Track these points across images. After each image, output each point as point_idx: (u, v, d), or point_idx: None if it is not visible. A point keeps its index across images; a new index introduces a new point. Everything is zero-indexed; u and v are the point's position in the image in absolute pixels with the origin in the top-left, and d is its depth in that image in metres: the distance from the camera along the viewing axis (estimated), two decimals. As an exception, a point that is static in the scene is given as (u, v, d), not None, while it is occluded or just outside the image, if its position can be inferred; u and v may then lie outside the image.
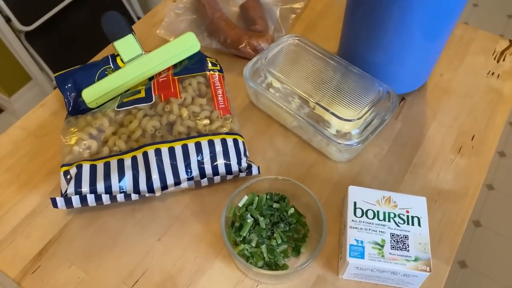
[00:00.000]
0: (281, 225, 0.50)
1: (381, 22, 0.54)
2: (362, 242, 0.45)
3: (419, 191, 0.54)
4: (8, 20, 1.32)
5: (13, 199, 0.54)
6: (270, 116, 0.61)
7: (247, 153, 0.55)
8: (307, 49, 0.60)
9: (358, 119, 0.52)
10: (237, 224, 0.49)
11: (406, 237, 0.46)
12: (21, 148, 0.59)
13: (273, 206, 0.51)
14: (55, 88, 1.58)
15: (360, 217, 0.47)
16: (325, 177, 0.56)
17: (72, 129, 0.55)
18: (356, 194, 0.49)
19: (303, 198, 0.51)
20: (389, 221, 0.47)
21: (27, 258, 0.49)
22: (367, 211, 0.47)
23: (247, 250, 0.48)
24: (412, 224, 0.47)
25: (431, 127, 0.61)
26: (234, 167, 0.53)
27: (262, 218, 0.49)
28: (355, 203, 0.48)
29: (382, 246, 0.45)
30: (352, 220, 0.47)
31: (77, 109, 0.59)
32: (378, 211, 0.47)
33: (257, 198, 0.51)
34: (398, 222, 0.47)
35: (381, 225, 0.46)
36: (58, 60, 1.50)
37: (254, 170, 0.54)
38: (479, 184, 0.55)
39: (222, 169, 0.53)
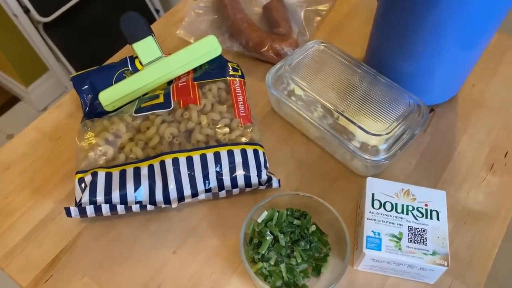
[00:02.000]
0: (301, 243, 0.47)
1: (414, 29, 0.51)
2: (379, 234, 0.44)
3: (448, 210, 0.51)
4: (26, 11, 1.31)
5: (26, 204, 0.53)
6: (292, 125, 0.59)
7: (268, 165, 0.52)
8: (333, 56, 0.57)
9: (387, 134, 0.50)
10: (255, 241, 0.47)
11: (424, 230, 0.45)
12: (36, 150, 0.57)
13: (294, 222, 0.49)
14: (71, 79, 1.58)
15: (377, 209, 0.46)
16: (348, 192, 0.53)
17: (88, 133, 0.53)
18: (375, 186, 0.48)
19: (325, 214, 0.48)
20: (407, 214, 0.46)
21: (39, 267, 0.48)
22: (385, 203, 0.46)
23: (265, 268, 0.46)
24: (431, 218, 0.46)
25: (462, 141, 0.57)
26: (254, 179, 0.51)
27: (282, 236, 0.47)
28: (373, 194, 0.47)
29: (400, 238, 0.44)
30: (370, 212, 0.46)
31: (94, 111, 0.57)
32: (396, 204, 0.46)
33: (277, 214, 0.48)
34: (417, 215, 0.46)
35: (399, 217, 0.45)
36: (75, 52, 1.49)
37: (275, 183, 0.51)
38: (512, 206, 0.52)
39: (241, 181, 0.50)
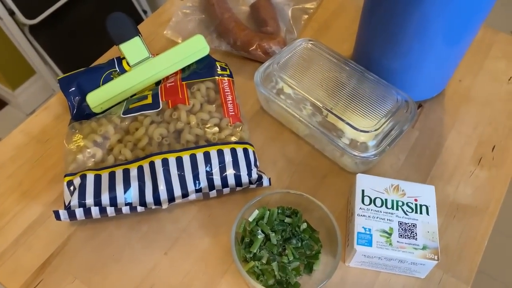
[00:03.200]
0: (293, 241, 0.47)
1: (400, 26, 0.51)
2: (370, 230, 0.45)
3: (437, 205, 0.52)
4: (12, 13, 1.29)
5: (14, 208, 0.52)
6: (281, 123, 0.59)
7: (258, 163, 0.52)
8: (321, 54, 0.58)
9: (375, 130, 0.50)
10: (247, 240, 0.47)
11: (414, 225, 0.45)
12: (23, 154, 0.57)
13: (285, 220, 0.49)
14: (58, 81, 1.57)
15: (368, 205, 0.46)
16: (339, 189, 0.53)
17: (76, 135, 0.53)
18: (364, 182, 0.48)
19: (316, 212, 0.49)
20: (397, 209, 0.46)
21: (29, 271, 0.48)
22: (375, 199, 0.47)
23: (257, 267, 0.46)
24: (421, 213, 0.46)
25: (449, 136, 0.58)
26: (244, 178, 0.51)
27: (274, 234, 0.47)
28: (363, 191, 0.47)
29: (390, 234, 0.45)
30: (360, 208, 0.46)
31: (81, 113, 0.57)
32: (386, 199, 0.47)
33: (268, 212, 0.49)
34: (406, 211, 0.46)
35: (389, 213, 0.46)
36: (62, 54, 1.48)
37: (265, 182, 0.51)
38: (500, 199, 0.52)
39: (231, 180, 0.50)
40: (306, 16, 0.70)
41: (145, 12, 1.65)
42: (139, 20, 1.60)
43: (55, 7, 1.37)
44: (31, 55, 1.42)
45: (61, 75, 0.58)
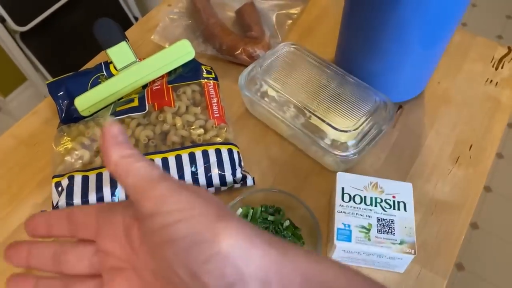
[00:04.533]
0: (276, 238, 0.49)
1: (378, 30, 0.53)
2: (349, 226, 0.46)
3: (416, 202, 0.53)
4: (2, 21, 1.30)
5: (4, 211, 0.53)
6: (266, 125, 0.61)
7: (242, 163, 0.54)
8: (304, 58, 0.59)
9: (355, 129, 0.52)
10: (231, 237, 0.48)
11: (392, 221, 0.47)
12: (12, 157, 0.58)
13: (268, 218, 0.50)
14: (47, 86, 1.58)
15: (347, 202, 0.48)
16: (321, 187, 0.55)
17: (64, 138, 0.54)
18: (344, 180, 0.50)
19: (298, 210, 0.50)
20: (375, 206, 0.48)
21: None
22: (354, 196, 0.48)
23: (241, 263, 0.47)
24: (398, 209, 0.48)
25: (429, 136, 0.60)
26: (229, 178, 0.52)
27: (257, 231, 0.49)
28: (343, 188, 0.49)
29: (369, 230, 0.46)
30: (340, 205, 0.48)
31: (70, 117, 0.58)
32: (365, 196, 0.48)
33: (252, 210, 0.50)
34: (385, 207, 0.48)
35: (368, 209, 0.47)
36: (53, 61, 1.49)
37: (249, 181, 0.53)
38: (476, 196, 0.54)
39: (216, 180, 0.52)
40: (290, 21, 0.72)
41: (136, 18, 1.67)
42: (129, 26, 1.61)
43: (46, 14, 1.38)
44: (22, 62, 1.43)
45: (50, 80, 0.59)
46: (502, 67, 0.67)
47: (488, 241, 1.35)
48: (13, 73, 1.57)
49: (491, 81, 0.66)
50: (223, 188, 0.52)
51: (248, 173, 0.54)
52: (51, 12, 1.40)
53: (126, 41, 0.58)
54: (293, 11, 0.73)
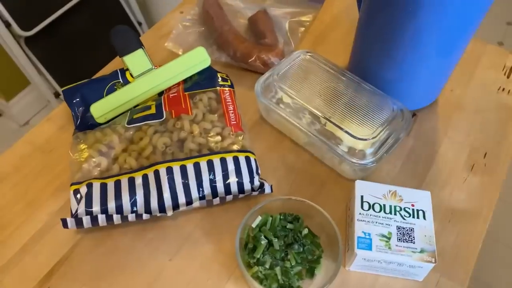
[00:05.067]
0: (295, 246, 0.49)
1: (395, 39, 0.54)
2: (369, 234, 0.46)
3: (433, 210, 0.54)
4: (8, 25, 1.30)
5: (20, 217, 0.53)
6: (281, 132, 0.61)
7: (260, 171, 0.54)
8: (319, 65, 0.60)
9: (373, 138, 0.52)
10: (250, 246, 0.48)
11: (412, 229, 0.47)
12: (28, 164, 0.57)
13: (287, 226, 0.50)
14: (54, 93, 1.57)
15: (367, 210, 0.48)
16: (337, 195, 0.55)
17: (81, 145, 0.54)
18: (363, 188, 0.50)
19: (316, 217, 0.50)
20: (395, 214, 0.48)
21: (36, 279, 0.48)
22: (373, 204, 0.49)
23: (260, 272, 0.47)
24: (418, 217, 0.48)
25: (443, 144, 0.60)
26: (247, 185, 0.52)
27: (276, 240, 0.49)
28: (362, 196, 0.49)
29: (389, 238, 0.46)
30: (360, 213, 0.48)
31: (85, 124, 0.58)
32: (384, 205, 0.48)
33: (271, 218, 0.50)
34: (404, 215, 0.48)
35: (388, 218, 0.48)
36: (57, 65, 1.49)
37: (267, 189, 0.53)
38: (492, 204, 0.54)
39: (234, 188, 0.52)
40: (302, 29, 0.72)
41: (140, 24, 1.67)
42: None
43: (50, 19, 1.39)
44: (26, 66, 1.42)
45: (65, 87, 0.59)
46: (513, 75, 0.68)
47: (496, 248, 1.35)
48: (17, 77, 1.57)
49: (503, 89, 0.66)
50: (240, 195, 0.52)
51: (265, 180, 0.54)
52: (55, 17, 1.40)
53: (142, 48, 0.58)
54: (305, 18, 0.73)
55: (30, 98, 1.68)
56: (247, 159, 0.53)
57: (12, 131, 1.68)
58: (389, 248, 0.45)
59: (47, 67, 1.46)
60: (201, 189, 0.51)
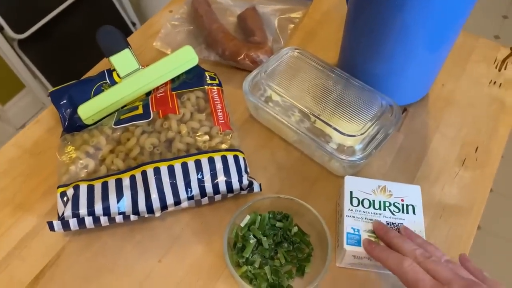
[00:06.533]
0: (284, 244, 0.48)
1: (383, 33, 0.53)
2: (358, 230, 0.46)
3: (424, 206, 0.53)
4: (0, 29, 1.30)
5: (8, 221, 0.52)
6: (271, 130, 0.60)
7: (248, 170, 0.53)
8: (308, 62, 0.59)
9: (361, 134, 0.51)
10: (239, 245, 0.48)
11: (401, 225, 0.46)
12: (16, 167, 0.57)
13: (276, 225, 0.50)
14: (49, 96, 1.57)
15: (356, 206, 0.48)
16: (328, 193, 0.55)
17: (68, 147, 0.54)
18: (352, 184, 0.50)
19: (306, 215, 0.50)
20: (384, 209, 0.48)
21: (24, 283, 0.48)
22: (363, 200, 0.48)
23: (250, 271, 0.47)
24: (407, 212, 0.47)
25: (434, 138, 0.60)
26: (235, 184, 0.52)
27: (265, 238, 0.48)
28: (351, 192, 0.49)
29: None
30: (349, 209, 0.48)
31: (73, 125, 0.57)
32: (373, 200, 0.48)
33: (259, 217, 0.50)
34: (393, 211, 0.48)
35: (377, 213, 0.47)
36: (52, 68, 1.48)
37: (256, 188, 0.52)
38: (484, 198, 0.54)
39: (223, 187, 0.51)
40: (292, 26, 0.72)
41: (133, 24, 1.67)
42: (128, 32, 1.61)
43: (44, 21, 1.38)
44: (21, 69, 1.42)
45: (52, 88, 0.59)
46: (505, 68, 0.67)
47: (489, 241, 1.35)
48: (11, 81, 1.56)
49: (495, 82, 0.66)
50: (229, 195, 0.52)
51: (254, 179, 0.53)
52: (49, 19, 1.39)
53: (129, 48, 0.58)
54: (294, 15, 0.73)
55: (25, 101, 1.67)
56: (236, 158, 0.52)
57: (8, 135, 1.68)
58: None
59: (41, 70, 1.46)
60: (189, 189, 0.50)
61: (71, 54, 1.50)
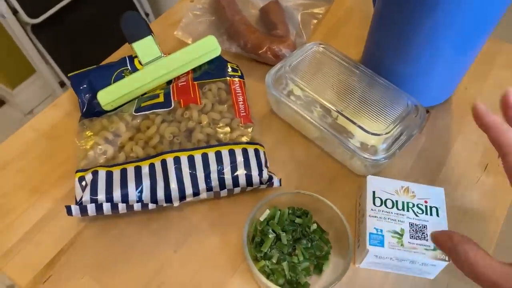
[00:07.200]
0: (303, 241, 0.48)
1: (411, 33, 0.52)
2: (381, 231, 0.45)
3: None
4: (15, 12, 1.29)
5: (24, 204, 0.52)
6: (291, 126, 0.59)
7: (268, 164, 0.53)
8: (332, 57, 0.58)
9: (386, 133, 0.50)
10: (257, 239, 0.47)
11: (425, 226, 0.46)
12: (33, 150, 0.56)
13: (295, 221, 0.49)
14: (59, 82, 1.56)
15: (379, 206, 0.47)
16: (347, 191, 0.54)
17: (87, 132, 0.53)
18: (375, 184, 0.49)
19: (325, 212, 0.49)
20: (407, 210, 0.47)
21: (38, 267, 0.47)
22: (385, 200, 0.47)
23: (267, 266, 0.46)
24: (431, 214, 0.47)
25: (456, 142, 0.59)
26: (255, 178, 0.51)
27: (284, 234, 0.47)
28: (374, 192, 0.48)
29: (401, 235, 0.45)
30: (371, 209, 0.47)
31: (92, 111, 0.57)
32: (396, 201, 0.47)
33: (279, 212, 0.49)
34: (417, 212, 0.47)
35: (400, 214, 0.46)
36: (63, 54, 1.48)
37: (276, 182, 0.52)
38: (506, 205, 0.53)
39: (242, 180, 0.51)
40: (315, 21, 0.71)
41: (147, 14, 1.66)
42: (141, 22, 1.60)
43: (58, 7, 1.38)
44: (32, 54, 1.42)
45: (72, 73, 0.58)
46: (529, 75, 0.66)
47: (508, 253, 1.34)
48: (22, 65, 1.56)
49: (519, 88, 0.64)
50: (248, 188, 0.51)
51: (274, 174, 0.53)
52: (63, 5, 1.39)
53: (152, 35, 0.57)
54: (317, 10, 0.72)
55: (35, 87, 1.67)
56: (256, 152, 0.52)
57: (16, 120, 1.67)
58: (402, 245, 0.44)
59: (52, 56, 1.46)
60: (208, 180, 0.49)
61: (83, 41, 1.49)
